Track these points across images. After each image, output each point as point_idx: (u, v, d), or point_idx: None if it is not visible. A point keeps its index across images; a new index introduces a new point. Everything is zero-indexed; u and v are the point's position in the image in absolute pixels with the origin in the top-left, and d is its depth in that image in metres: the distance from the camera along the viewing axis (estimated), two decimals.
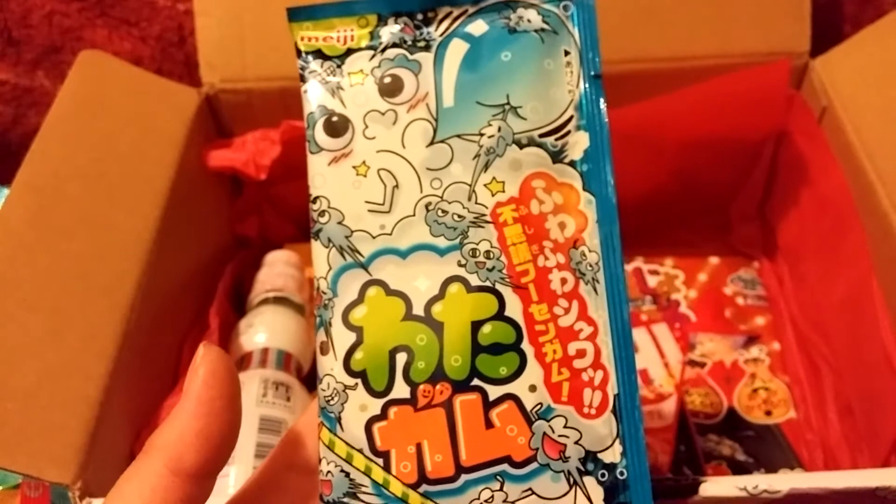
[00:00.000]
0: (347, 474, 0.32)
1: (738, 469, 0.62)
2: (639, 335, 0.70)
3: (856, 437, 0.59)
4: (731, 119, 0.64)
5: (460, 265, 0.33)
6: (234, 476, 0.54)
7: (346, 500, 0.32)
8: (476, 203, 0.33)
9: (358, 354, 0.33)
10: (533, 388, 0.32)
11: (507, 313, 0.32)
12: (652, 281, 0.73)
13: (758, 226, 0.73)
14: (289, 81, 0.65)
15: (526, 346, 0.32)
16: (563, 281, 0.33)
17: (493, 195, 0.33)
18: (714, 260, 0.74)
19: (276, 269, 0.69)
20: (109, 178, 0.58)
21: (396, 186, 0.33)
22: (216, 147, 0.68)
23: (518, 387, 0.32)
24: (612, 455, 0.33)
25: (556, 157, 0.34)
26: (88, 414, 0.48)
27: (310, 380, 0.64)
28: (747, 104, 0.64)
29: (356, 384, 0.33)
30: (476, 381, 0.32)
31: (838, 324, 0.62)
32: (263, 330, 0.64)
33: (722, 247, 0.75)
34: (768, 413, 0.65)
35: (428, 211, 0.33)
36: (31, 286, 0.51)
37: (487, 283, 0.33)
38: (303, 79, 0.35)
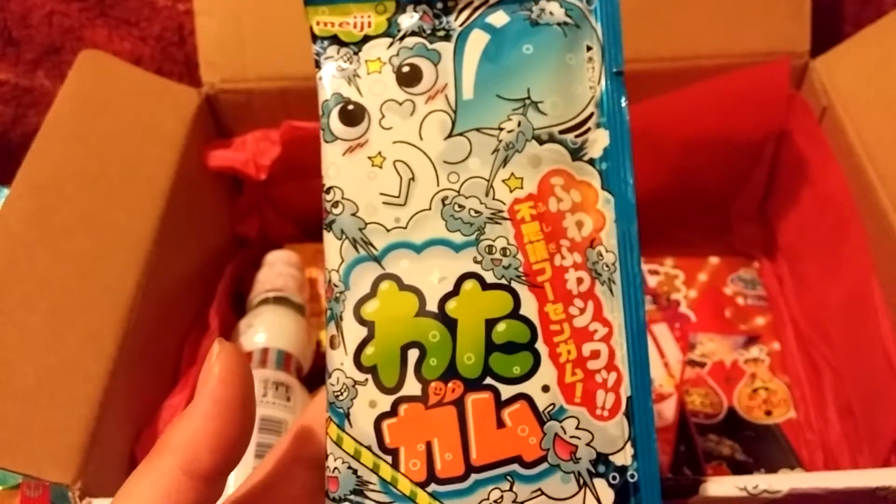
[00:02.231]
0: (355, 471, 0.32)
1: (738, 469, 0.62)
2: None
3: (856, 437, 0.60)
4: (731, 119, 0.65)
5: (476, 261, 0.32)
6: (234, 477, 0.53)
7: (352, 497, 0.32)
8: (493, 199, 0.32)
9: (369, 349, 0.32)
10: (546, 389, 0.32)
11: (522, 312, 0.32)
12: (652, 281, 0.74)
13: (758, 226, 0.73)
14: (289, 81, 0.65)
15: (540, 345, 0.32)
16: (580, 281, 0.33)
17: (511, 191, 0.32)
18: (714, 260, 0.75)
19: (276, 269, 0.69)
20: (109, 178, 0.58)
21: (412, 179, 0.33)
22: (216, 147, 0.68)
23: (531, 387, 0.32)
24: (624, 457, 0.32)
25: (576, 154, 0.33)
26: (88, 414, 0.48)
27: (310, 380, 0.64)
28: (747, 104, 0.64)
29: (366, 380, 0.32)
30: (489, 380, 0.32)
31: (838, 324, 0.62)
32: (263, 330, 0.64)
33: (722, 247, 0.75)
34: (768, 413, 0.65)
35: (444, 205, 0.32)
36: (31, 286, 0.51)
37: (503, 281, 0.32)
38: (318, 65, 0.34)
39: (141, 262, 0.56)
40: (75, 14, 0.73)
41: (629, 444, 0.32)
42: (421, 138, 0.33)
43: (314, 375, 0.65)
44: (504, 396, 0.32)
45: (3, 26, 0.73)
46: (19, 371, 0.48)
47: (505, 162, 0.33)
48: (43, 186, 0.55)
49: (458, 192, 0.33)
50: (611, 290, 0.33)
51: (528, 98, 0.33)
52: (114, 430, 0.51)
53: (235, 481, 0.53)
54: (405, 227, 0.32)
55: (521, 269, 0.32)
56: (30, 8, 0.72)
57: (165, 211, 0.59)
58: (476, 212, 0.32)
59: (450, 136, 0.33)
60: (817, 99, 0.63)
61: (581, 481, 0.32)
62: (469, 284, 0.32)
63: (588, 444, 0.32)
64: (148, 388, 0.57)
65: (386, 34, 0.34)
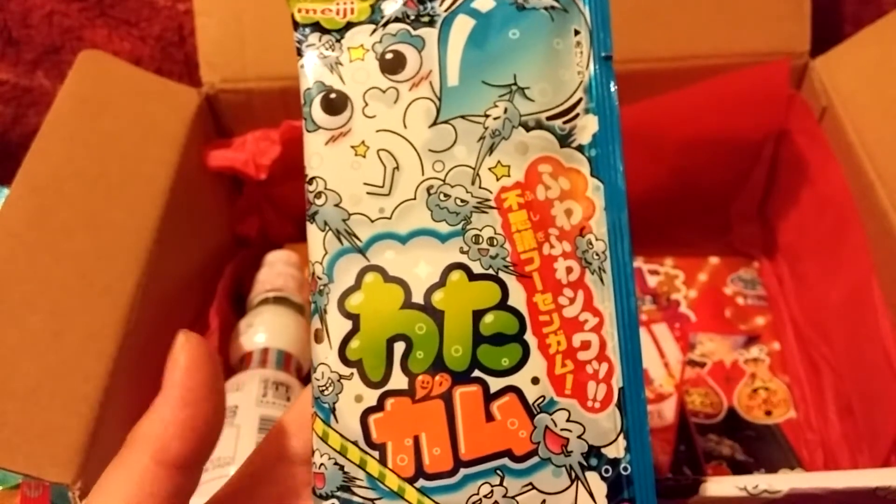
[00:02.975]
0: (341, 467, 0.31)
1: (738, 469, 0.62)
2: None
3: (856, 437, 0.60)
4: (731, 119, 0.65)
5: (462, 252, 0.31)
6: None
7: (339, 493, 0.31)
8: (480, 187, 0.32)
9: (354, 343, 0.31)
10: (535, 381, 0.31)
11: (510, 302, 0.31)
12: (652, 281, 0.73)
13: (758, 226, 0.73)
14: (289, 81, 0.65)
15: (529, 336, 0.31)
16: (569, 270, 0.32)
17: (497, 179, 0.32)
18: (714, 260, 0.75)
19: (276, 269, 0.69)
20: (109, 178, 0.58)
21: (397, 168, 0.32)
22: (216, 147, 0.68)
23: (520, 379, 0.31)
24: (616, 450, 0.32)
25: (564, 141, 0.33)
26: (88, 414, 0.48)
27: (309, 380, 0.64)
28: (747, 104, 0.64)
29: (352, 374, 0.31)
30: (477, 373, 0.31)
31: (838, 324, 0.62)
32: (263, 330, 0.64)
33: (722, 247, 0.75)
34: (768, 413, 0.65)
35: (429, 195, 0.32)
36: (32, 286, 0.51)
37: (490, 271, 0.31)
38: (299, 53, 0.34)
39: (141, 262, 0.55)
40: (75, 14, 0.73)
41: (621, 437, 0.32)
42: (405, 126, 0.32)
43: None
44: (493, 389, 0.31)
45: (3, 26, 0.73)
46: (19, 371, 0.48)
47: (491, 150, 0.32)
48: (43, 186, 0.55)
49: (444, 181, 0.32)
50: (601, 280, 0.32)
51: (515, 84, 0.33)
52: (114, 430, 0.51)
53: None
54: (390, 218, 0.32)
55: (508, 259, 0.32)
56: (30, 8, 0.72)
57: (165, 211, 0.59)
58: (462, 201, 0.32)
59: (435, 123, 0.32)
60: (817, 99, 0.63)
61: (573, 475, 0.31)
62: (455, 275, 0.31)
63: (579, 437, 0.32)
64: (148, 388, 0.56)
65: (369, 21, 0.33)
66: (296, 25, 0.34)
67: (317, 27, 0.33)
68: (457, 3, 0.33)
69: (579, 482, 0.32)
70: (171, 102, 0.65)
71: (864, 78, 0.61)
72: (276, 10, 0.65)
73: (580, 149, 0.33)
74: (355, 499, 0.31)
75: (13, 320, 0.50)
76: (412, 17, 0.33)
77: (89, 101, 0.61)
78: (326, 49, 0.33)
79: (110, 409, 0.50)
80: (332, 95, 0.33)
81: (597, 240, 0.33)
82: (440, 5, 0.33)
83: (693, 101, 0.63)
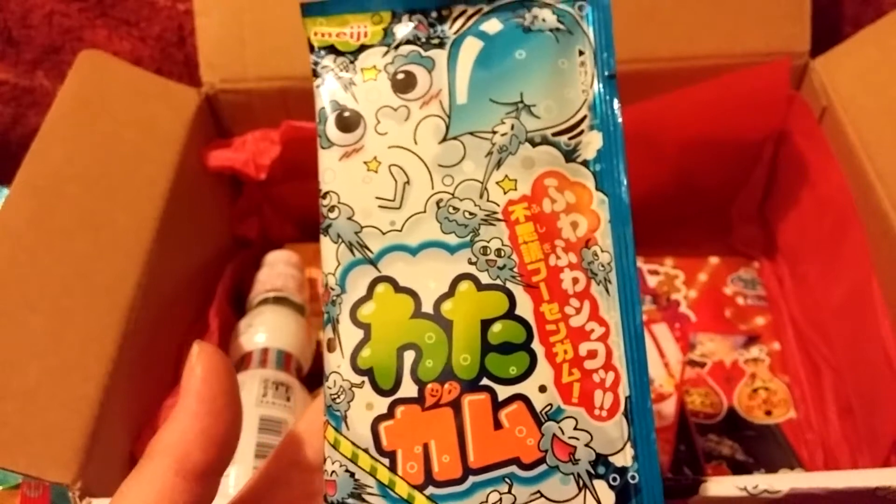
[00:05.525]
0: (352, 474, 0.32)
1: (738, 469, 0.62)
2: None
3: (856, 437, 0.60)
4: (731, 119, 0.65)
5: (471, 263, 0.32)
6: (235, 476, 0.54)
7: (350, 500, 0.32)
8: (488, 201, 0.33)
9: (365, 352, 0.32)
10: (543, 389, 0.32)
11: (517, 312, 0.32)
12: (652, 281, 0.73)
13: (758, 226, 0.73)
14: (289, 81, 0.65)
15: (536, 345, 0.32)
16: (575, 280, 0.33)
17: (505, 193, 0.33)
18: (714, 260, 0.75)
19: (276, 269, 0.69)
20: (109, 178, 0.58)
21: (407, 183, 0.33)
22: (216, 147, 0.68)
23: (528, 387, 0.32)
24: (624, 458, 0.32)
25: (569, 156, 0.33)
26: (88, 414, 0.48)
27: (310, 380, 0.64)
28: (747, 104, 0.64)
29: (363, 382, 0.32)
30: (485, 381, 0.32)
31: (838, 324, 0.62)
32: (263, 330, 0.64)
33: (722, 247, 0.75)
34: (768, 413, 0.65)
35: (439, 208, 0.33)
36: (32, 286, 0.51)
37: (498, 282, 0.32)
38: (315, 74, 0.34)
39: (141, 262, 0.55)
40: (75, 14, 0.73)
41: (629, 445, 0.32)
42: (415, 143, 0.33)
43: (314, 375, 0.65)
44: (501, 397, 0.32)
45: (3, 26, 0.73)
46: (19, 371, 0.48)
47: (499, 164, 0.33)
48: (43, 187, 0.55)
49: (453, 194, 0.33)
50: (607, 290, 0.33)
51: (521, 102, 0.33)
52: (114, 430, 0.51)
53: (235, 482, 0.53)
54: (400, 230, 0.33)
55: (515, 270, 0.32)
56: (30, 8, 0.72)
57: (165, 211, 0.59)
58: (470, 214, 0.33)
59: (444, 140, 0.33)
60: (817, 99, 0.63)
61: (581, 483, 0.32)
62: (464, 285, 0.32)
63: (587, 445, 0.32)
64: (148, 388, 0.56)
65: (382, 43, 0.34)
66: (312, 48, 0.35)
67: (332, 50, 0.34)
68: (466, 26, 0.34)
69: (587, 490, 0.32)
70: (171, 102, 0.65)
71: (863, 78, 0.61)
72: (276, 10, 0.65)
73: (585, 164, 0.34)
74: None
75: (13, 320, 0.50)
76: (423, 40, 0.34)
77: (89, 101, 0.61)
78: (341, 70, 0.34)
79: (110, 409, 0.50)
80: (346, 114, 0.34)
81: (602, 251, 0.33)
82: (450, 28, 0.34)
83: (693, 101, 0.63)
